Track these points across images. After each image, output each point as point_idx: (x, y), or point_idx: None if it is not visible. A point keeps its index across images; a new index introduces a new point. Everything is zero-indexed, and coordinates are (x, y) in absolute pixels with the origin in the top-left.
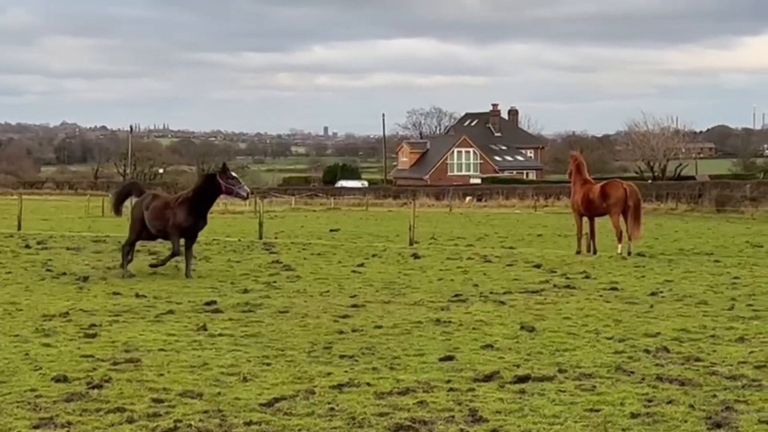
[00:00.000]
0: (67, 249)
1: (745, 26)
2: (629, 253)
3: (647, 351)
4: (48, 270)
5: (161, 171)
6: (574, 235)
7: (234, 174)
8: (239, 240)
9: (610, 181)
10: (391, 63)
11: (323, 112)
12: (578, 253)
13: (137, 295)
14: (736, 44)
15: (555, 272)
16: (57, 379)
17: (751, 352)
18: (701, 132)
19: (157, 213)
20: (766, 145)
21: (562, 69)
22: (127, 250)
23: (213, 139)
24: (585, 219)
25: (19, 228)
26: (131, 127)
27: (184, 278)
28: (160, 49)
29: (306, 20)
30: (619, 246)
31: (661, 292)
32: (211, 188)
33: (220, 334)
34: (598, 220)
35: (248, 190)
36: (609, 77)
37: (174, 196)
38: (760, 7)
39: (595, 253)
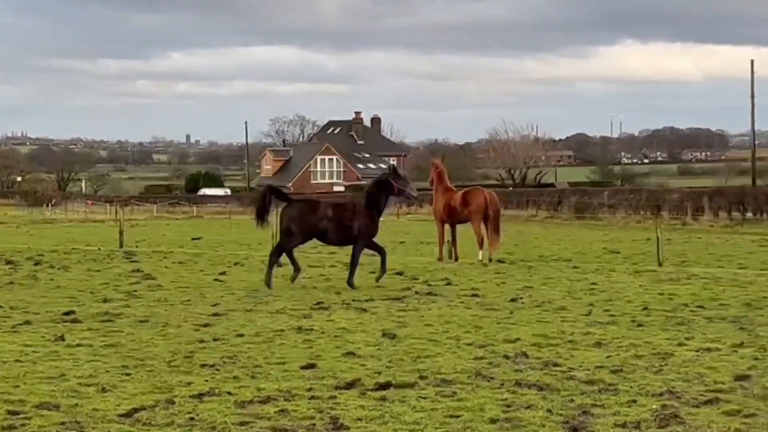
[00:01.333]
0: None
1: (599, 36)
2: (490, 260)
3: (507, 357)
4: None
5: (19, 179)
6: (436, 243)
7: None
8: (99, 249)
9: (471, 189)
10: (252, 70)
11: (185, 120)
12: (440, 260)
13: None
14: (591, 54)
15: (417, 279)
16: None
17: (608, 357)
18: (560, 140)
19: (345, 221)
20: (623, 153)
21: (421, 77)
22: (275, 260)
23: (73, 146)
24: (447, 226)
25: None
26: None
27: (42, 288)
28: (14, 55)
29: (163, 27)
30: (480, 253)
31: (521, 298)
32: (387, 191)
33: (78, 345)
34: (459, 227)
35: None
36: (468, 86)
37: (348, 202)
38: (613, 19)
39: (456, 260)
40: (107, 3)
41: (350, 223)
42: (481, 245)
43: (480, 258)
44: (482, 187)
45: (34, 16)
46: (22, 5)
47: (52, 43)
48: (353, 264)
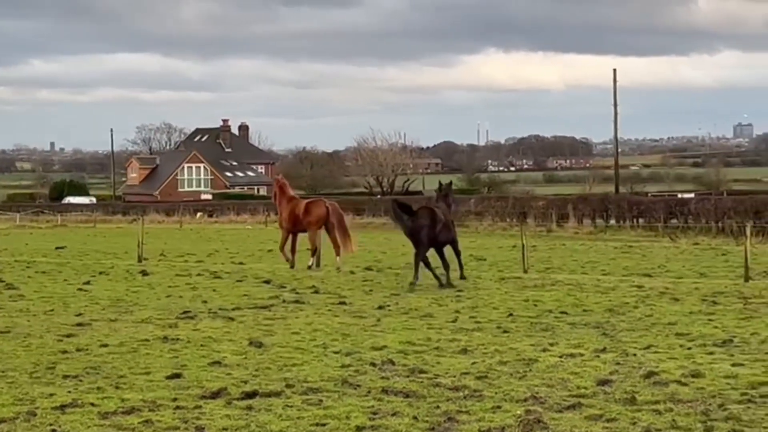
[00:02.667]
0: None
1: (462, 45)
2: (330, 267)
3: (373, 364)
4: None
5: None
6: (305, 250)
7: None
8: None
9: (315, 200)
10: (116, 78)
11: (49, 127)
12: (309, 267)
13: None
14: (455, 62)
15: (285, 287)
16: None
17: (473, 363)
18: (428, 148)
19: (450, 224)
20: (490, 161)
21: (286, 85)
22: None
23: None
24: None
25: None
26: None
27: None
28: None
29: (22, 33)
30: (311, 260)
31: (388, 305)
32: (447, 202)
33: None
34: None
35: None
36: (333, 93)
37: (442, 207)
38: (475, 28)
39: (292, 266)
40: None
41: (451, 225)
42: (313, 253)
43: (310, 264)
44: (325, 198)
45: None
46: None
47: None
48: (461, 260)
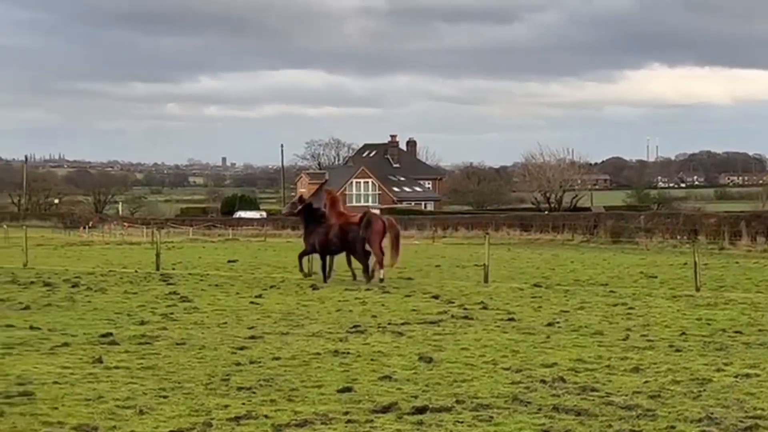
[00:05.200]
0: None
1: (625, 60)
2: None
3: (544, 381)
4: None
5: (56, 201)
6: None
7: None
8: (136, 271)
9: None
10: (281, 94)
11: (219, 143)
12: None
13: (31, 327)
14: (618, 77)
15: (453, 303)
16: None
17: (646, 382)
18: (596, 164)
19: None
20: (659, 177)
21: (447, 100)
22: None
23: (110, 169)
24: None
25: None
26: (26, 158)
27: (79, 310)
28: (41, 78)
29: (189, 50)
30: (381, 271)
31: (558, 322)
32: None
33: (116, 367)
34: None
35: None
36: (495, 109)
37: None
38: (638, 43)
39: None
40: (131, 26)
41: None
42: (381, 265)
43: (381, 276)
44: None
45: (57, 39)
46: (50, 29)
47: (77, 66)
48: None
